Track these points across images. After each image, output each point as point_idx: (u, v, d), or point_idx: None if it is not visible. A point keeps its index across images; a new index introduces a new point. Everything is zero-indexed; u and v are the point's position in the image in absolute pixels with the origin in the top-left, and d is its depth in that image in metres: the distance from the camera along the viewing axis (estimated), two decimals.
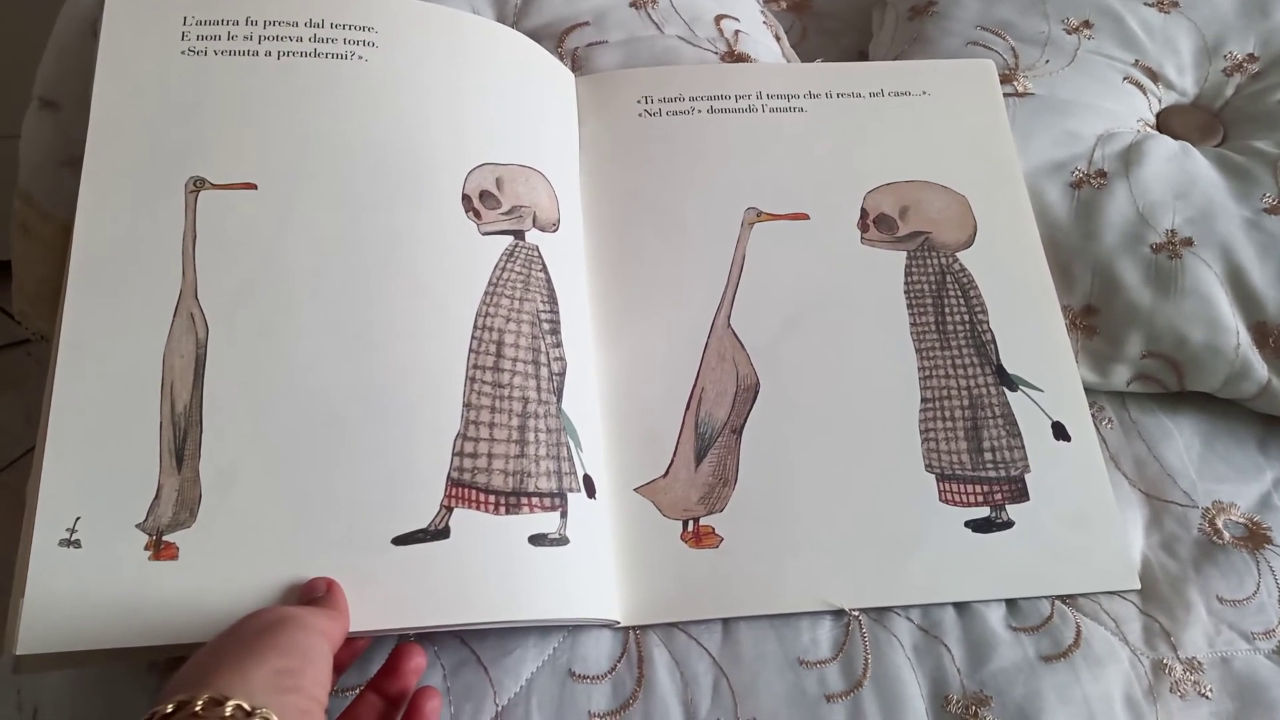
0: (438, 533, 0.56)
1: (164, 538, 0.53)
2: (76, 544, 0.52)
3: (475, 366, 0.60)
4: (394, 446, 0.57)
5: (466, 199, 0.65)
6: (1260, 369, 0.69)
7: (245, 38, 0.66)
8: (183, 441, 0.56)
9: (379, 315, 0.60)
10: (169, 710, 0.39)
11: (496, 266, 0.63)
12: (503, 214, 0.65)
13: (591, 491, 0.61)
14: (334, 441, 0.57)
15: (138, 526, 0.53)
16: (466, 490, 0.57)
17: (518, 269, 0.64)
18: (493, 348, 0.61)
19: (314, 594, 0.52)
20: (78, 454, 0.54)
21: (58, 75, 0.86)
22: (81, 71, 0.77)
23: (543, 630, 0.58)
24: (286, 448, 0.56)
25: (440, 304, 0.61)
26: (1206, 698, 0.59)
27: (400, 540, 0.55)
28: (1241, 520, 0.66)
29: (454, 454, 0.58)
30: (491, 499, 0.57)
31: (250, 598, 0.52)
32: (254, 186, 0.62)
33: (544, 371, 0.62)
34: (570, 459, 0.60)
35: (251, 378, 0.57)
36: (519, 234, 0.65)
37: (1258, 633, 0.61)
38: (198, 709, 0.39)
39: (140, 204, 0.60)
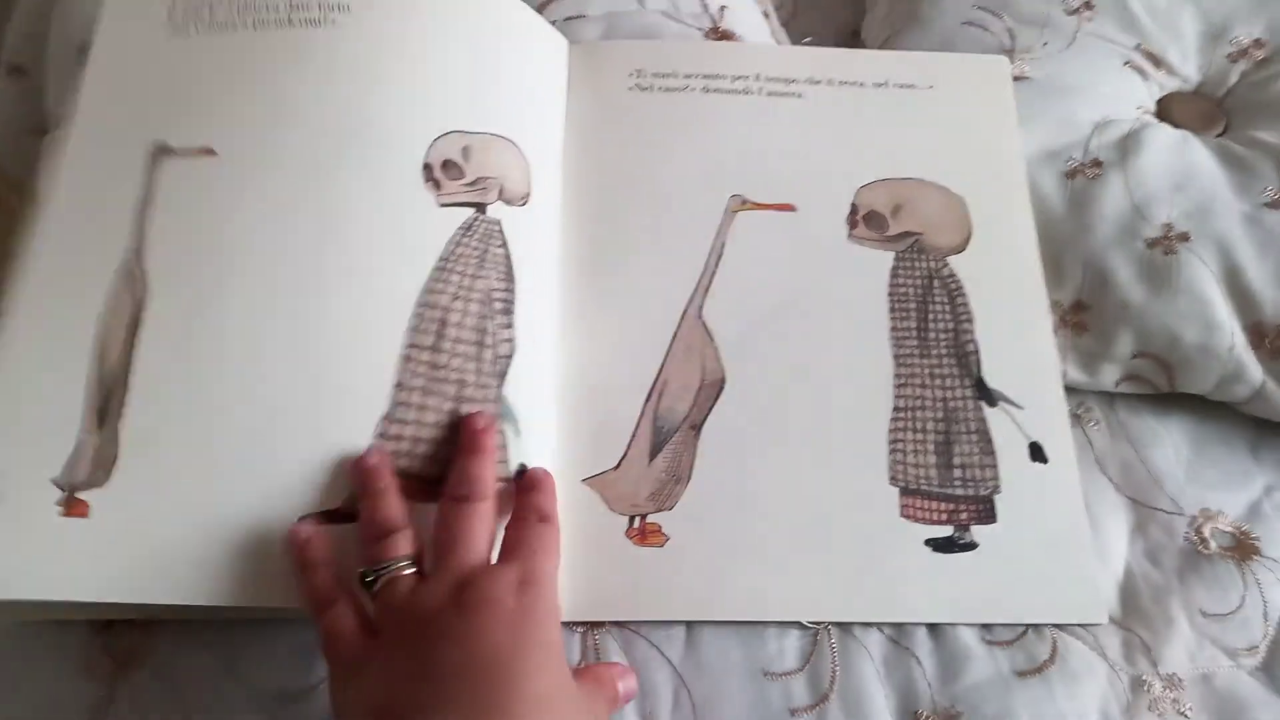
0: (349, 514, 0.54)
1: (76, 495, 0.53)
2: None
3: (413, 345, 0.58)
4: (315, 423, 0.56)
5: (428, 168, 0.62)
6: (1254, 371, 0.67)
7: (226, 10, 0.66)
8: (108, 400, 0.55)
9: (313, 287, 0.58)
10: None
11: (450, 240, 0.61)
12: (465, 185, 0.62)
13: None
14: (256, 413, 0.55)
15: (52, 481, 0.54)
16: None
17: (474, 244, 0.61)
18: (434, 326, 0.58)
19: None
20: (8, 408, 0.55)
21: (25, 41, 0.84)
22: (48, 37, 0.76)
23: None
24: (209, 417, 0.55)
25: (380, 276, 0.59)
26: (1185, 716, 0.57)
27: (310, 518, 0.54)
28: (1229, 530, 0.64)
29: (377, 435, 0.56)
30: (412, 484, 0.55)
31: (156, 561, 0.52)
32: (213, 152, 0.61)
33: (487, 354, 0.59)
34: (503, 447, 0.58)
35: (184, 344, 0.57)
36: (480, 206, 0.62)
37: (1241, 649, 0.59)
38: None
39: (108, 175, 0.61)
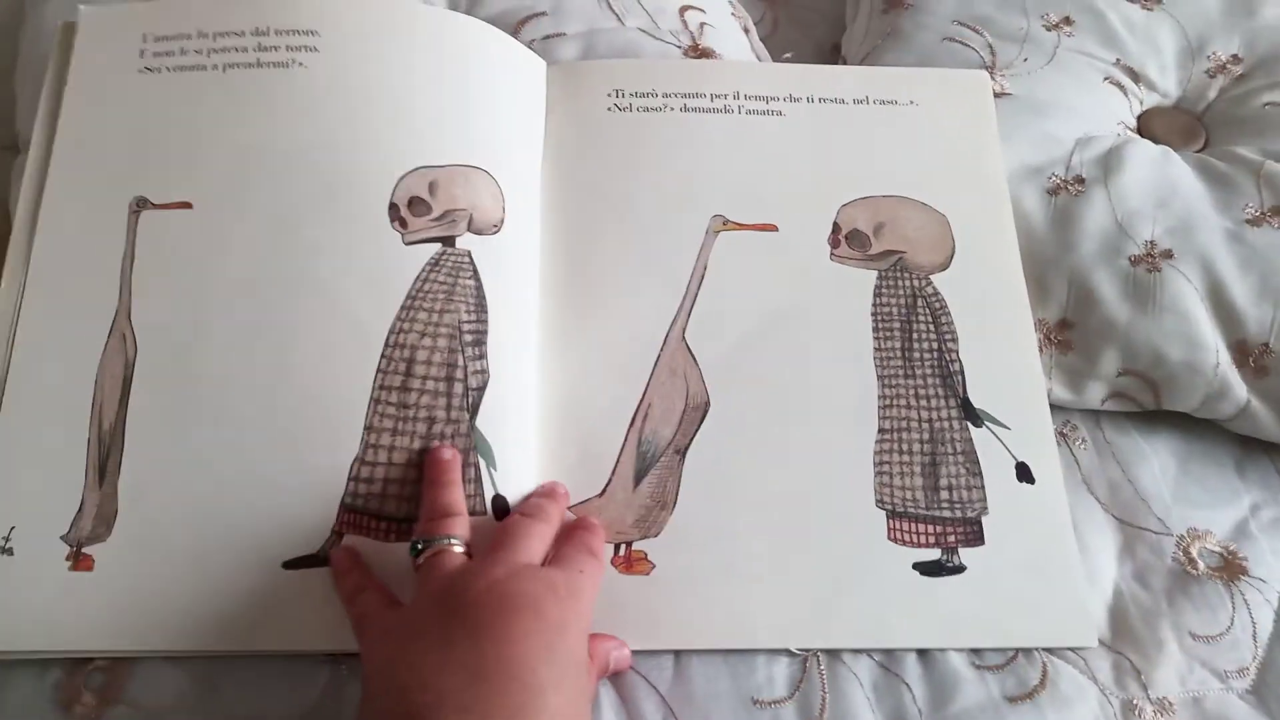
0: (326, 559, 0.55)
1: (82, 550, 0.55)
2: (9, 552, 0.55)
3: (381, 387, 0.58)
4: (291, 472, 0.56)
5: (394, 207, 0.61)
6: (1239, 389, 0.66)
7: (196, 52, 0.66)
8: (106, 458, 0.57)
9: (289, 337, 0.59)
10: None
11: (418, 278, 0.60)
12: (432, 220, 0.62)
13: (501, 513, 0.57)
14: (237, 464, 0.57)
15: (62, 538, 0.56)
16: (359, 516, 0.56)
17: (442, 278, 0.60)
18: (402, 366, 0.58)
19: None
20: (18, 467, 0.57)
21: None
22: (17, 55, 0.75)
23: None
24: (192, 468, 0.57)
25: (351, 323, 0.59)
26: None
27: (290, 564, 0.55)
28: (1217, 549, 0.64)
29: (350, 479, 0.56)
30: (383, 525, 0.56)
31: (155, 612, 0.54)
32: (189, 205, 0.62)
33: (458, 388, 0.58)
34: (477, 480, 0.57)
35: (168, 398, 0.58)
36: (448, 240, 0.62)
37: (1231, 671, 0.59)
38: None
39: (90, 225, 0.62)
